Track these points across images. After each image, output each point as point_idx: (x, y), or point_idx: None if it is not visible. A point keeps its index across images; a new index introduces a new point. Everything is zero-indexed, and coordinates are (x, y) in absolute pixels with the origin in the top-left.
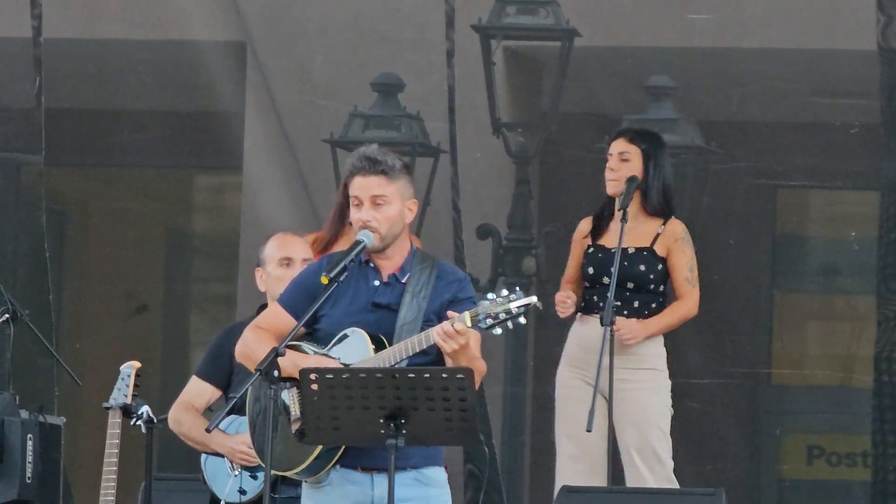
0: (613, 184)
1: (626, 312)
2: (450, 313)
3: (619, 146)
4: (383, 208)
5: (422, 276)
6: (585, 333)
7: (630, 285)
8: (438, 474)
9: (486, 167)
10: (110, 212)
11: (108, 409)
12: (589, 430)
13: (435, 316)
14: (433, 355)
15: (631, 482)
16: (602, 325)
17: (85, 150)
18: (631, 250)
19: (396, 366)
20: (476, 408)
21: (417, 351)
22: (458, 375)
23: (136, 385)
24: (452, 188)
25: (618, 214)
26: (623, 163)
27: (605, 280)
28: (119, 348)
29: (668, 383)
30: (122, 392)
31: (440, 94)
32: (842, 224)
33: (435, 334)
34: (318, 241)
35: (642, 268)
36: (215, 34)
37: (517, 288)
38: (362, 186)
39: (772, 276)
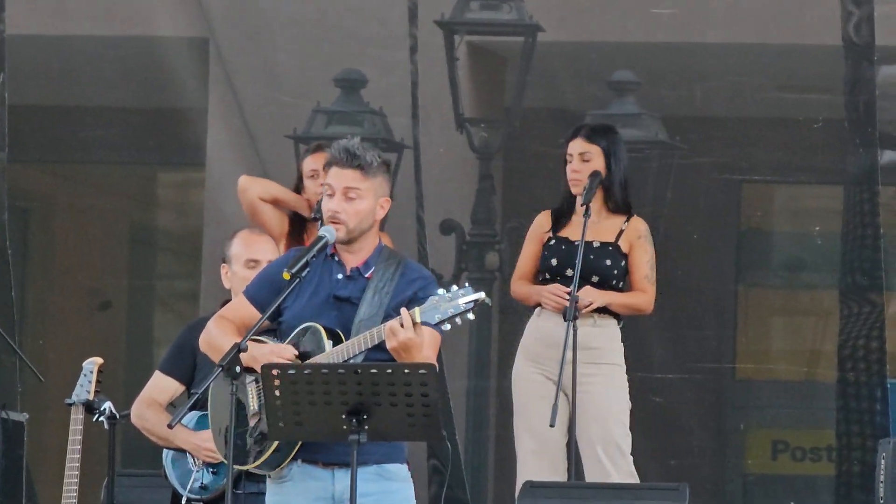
0: (577, 184)
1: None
2: (402, 310)
3: (578, 146)
4: (354, 202)
5: (386, 272)
6: (546, 327)
7: (594, 279)
8: (400, 469)
9: (450, 162)
10: (74, 208)
11: (70, 405)
12: (552, 426)
13: (395, 312)
14: None
15: (592, 476)
16: (565, 319)
17: (48, 146)
18: (596, 244)
19: (352, 360)
20: (439, 403)
21: (371, 346)
22: (421, 371)
23: (98, 381)
24: (416, 183)
25: (580, 209)
26: (585, 163)
27: (569, 272)
28: (82, 345)
29: (625, 377)
30: (85, 388)
31: (403, 90)
32: (806, 219)
33: (385, 330)
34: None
35: (608, 262)
36: (179, 30)
37: (466, 283)
38: (337, 177)
39: (736, 270)
